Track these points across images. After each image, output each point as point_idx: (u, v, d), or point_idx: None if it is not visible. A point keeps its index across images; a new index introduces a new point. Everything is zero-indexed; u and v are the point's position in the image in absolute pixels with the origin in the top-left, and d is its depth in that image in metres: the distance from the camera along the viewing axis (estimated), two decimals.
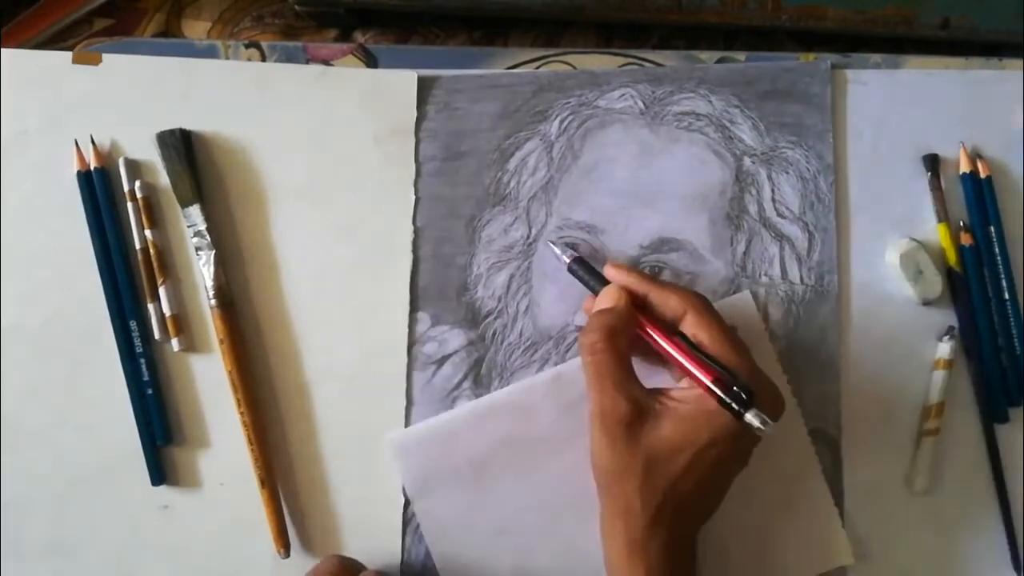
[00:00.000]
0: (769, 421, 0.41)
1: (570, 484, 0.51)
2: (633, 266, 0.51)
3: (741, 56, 0.58)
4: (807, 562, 0.54)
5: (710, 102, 0.57)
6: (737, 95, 0.57)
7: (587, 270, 0.52)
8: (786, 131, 0.57)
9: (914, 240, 0.56)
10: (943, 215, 0.56)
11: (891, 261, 0.55)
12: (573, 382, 0.53)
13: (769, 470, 0.52)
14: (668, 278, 0.55)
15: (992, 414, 0.55)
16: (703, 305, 0.47)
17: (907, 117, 0.57)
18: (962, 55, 0.58)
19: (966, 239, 0.56)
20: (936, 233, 0.56)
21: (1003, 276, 0.56)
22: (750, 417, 0.42)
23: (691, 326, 0.46)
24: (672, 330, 0.47)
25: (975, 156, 0.57)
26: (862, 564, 0.54)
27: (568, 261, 0.53)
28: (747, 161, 0.56)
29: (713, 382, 0.43)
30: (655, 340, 0.47)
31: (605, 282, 0.50)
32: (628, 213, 0.56)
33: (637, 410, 0.44)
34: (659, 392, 0.46)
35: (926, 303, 0.55)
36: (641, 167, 0.56)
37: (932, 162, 0.56)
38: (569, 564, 0.52)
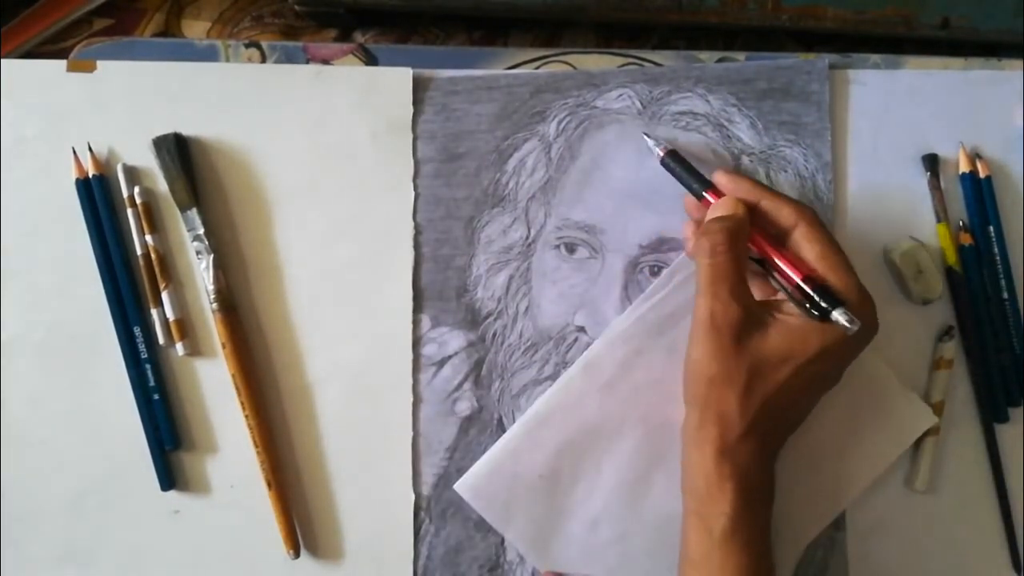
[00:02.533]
0: (856, 320, 0.43)
1: (641, 455, 0.52)
2: (742, 174, 0.51)
3: (741, 56, 0.58)
4: (895, 438, 0.54)
5: (708, 101, 0.57)
6: (735, 94, 0.57)
7: (684, 166, 0.52)
8: (784, 130, 0.57)
9: (915, 239, 0.56)
10: (943, 215, 0.56)
11: (892, 260, 0.55)
12: (602, 363, 0.53)
13: None
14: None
15: (992, 414, 0.55)
16: (814, 218, 0.48)
17: (906, 117, 0.57)
18: (961, 55, 0.58)
19: (965, 239, 0.56)
20: (935, 233, 0.56)
21: (1002, 276, 0.56)
22: (837, 315, 0.43)
23: (801, 237, 0.47)
24: (779, 240, 0.48)
25: (974, 156, 0.57)
26: (862, 564, 0.54)
27: (661, 154, 0.52)
28: (745, 160, 0.56)
29: (804, 279, 0.45)
30: (762, 245, 0.48)
31: (702, 180, 0.50)
32: (627, 213, 0.56)
33: (748, 317, 0.45)
34: (769, 304, 0.47)
35: (926, 303, 0.55)
36: (639, 167, 0.56)
37: (931, 162, 0.56)
38: (670, 528, 0.51)
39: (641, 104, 0.57)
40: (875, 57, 0.58)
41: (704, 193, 0.50)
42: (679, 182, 0.52)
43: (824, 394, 0.48)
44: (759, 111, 0.56)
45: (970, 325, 0.55)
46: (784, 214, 0.48)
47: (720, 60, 0.58)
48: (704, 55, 0.58)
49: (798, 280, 0.45)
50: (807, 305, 0.45)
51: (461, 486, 0.53)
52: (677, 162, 0.52)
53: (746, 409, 0.44)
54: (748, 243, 0.48)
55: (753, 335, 0.45)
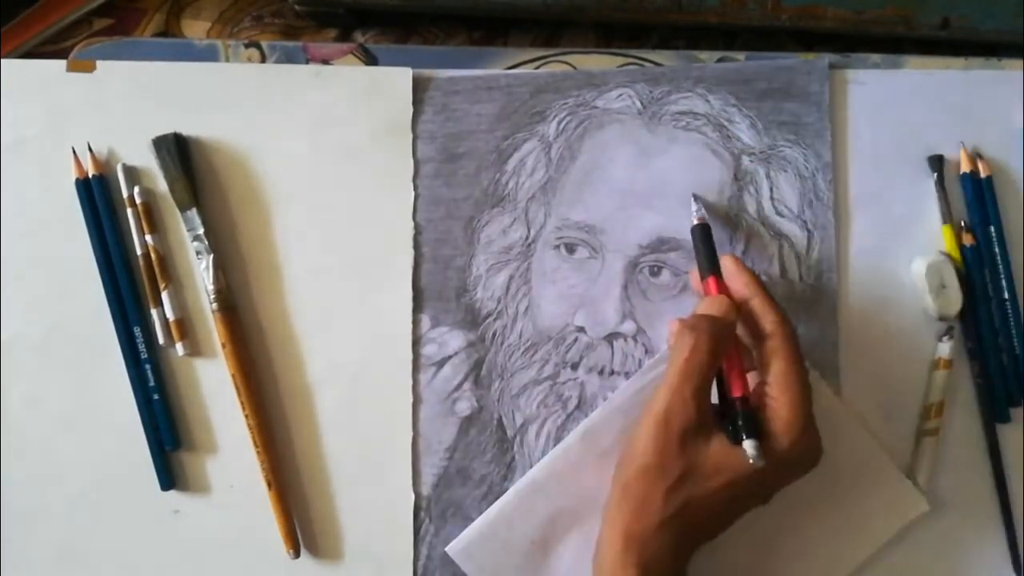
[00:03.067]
0: (761, 459, 0.44)
1: None
2: (747, 268, 0.50)
3: (741, 56, 0.58)
4: (884, 522, 0.54)
5: (708, 101, 0.57)
6: (735, 94, 0.57)
7: (705, 242, 0.52)
8: (784, 129, 0.57)
9: (943, 253, 0.56)
10: (948, 216, 0.56)
11: (917, 270, 0.55)
12: (601, 432, 0.53)
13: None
14: (667, 277, 0.55)
15: (993, 413, 0.55)
16: (790, 335, 0.47)
17: (906, 117, 0.57)
18: (961, 55, 0.58)
19: (967, 239, 0.56)
20: (938, 233, 0.56)
21: (1003, 276, 0.56)
22: (746, 445, 0.44)
23: (772, 348, 0.47)
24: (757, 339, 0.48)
25: (975, 156, 0.57)
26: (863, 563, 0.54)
27: (696, 221, 0.53)
28: (745, 160, 0.56)
29: (737, 399, 0.46)
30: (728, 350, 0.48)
31: (714, 264, 0.50)
32: (627, 213, 0.56)
33: (699, 422, 0.45)
34: (719, 425, 0.47)
35: (942, 319, 0.55)
36: (639, 167, 0.56)
37: (938, 163, 0.56)
38: None
39: (641, 104, 0.57)
40: (875, 57, 0.58)
41: (709, 277, 0.50)
42: (695, 255, 0.52)
43: (749, 510, 0.48)
44: (759, 111, 0.56)
45: (972, 325, 0.55)
46: (766, 321, 0.47)
47: (720, 60, 0.58)
48: (704, 55, 0.58)
49: (732, 397, 0.46)
50: (728, 425, 0.46)
51: (453, 549, 0.53)
52: (702, 237, 0.52)
53: (668, 504, 0.45)
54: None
55: (698, 439, 0.45)
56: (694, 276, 0.52)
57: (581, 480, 0.53)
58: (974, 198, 0.56)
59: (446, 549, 0.53)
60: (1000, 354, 0.55)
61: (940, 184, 0.56)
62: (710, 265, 0.51)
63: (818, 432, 0.47)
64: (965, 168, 0.56)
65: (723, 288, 0.49)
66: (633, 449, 0.46)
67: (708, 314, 0.47)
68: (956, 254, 0.56)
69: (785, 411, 0.45)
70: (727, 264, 0.50)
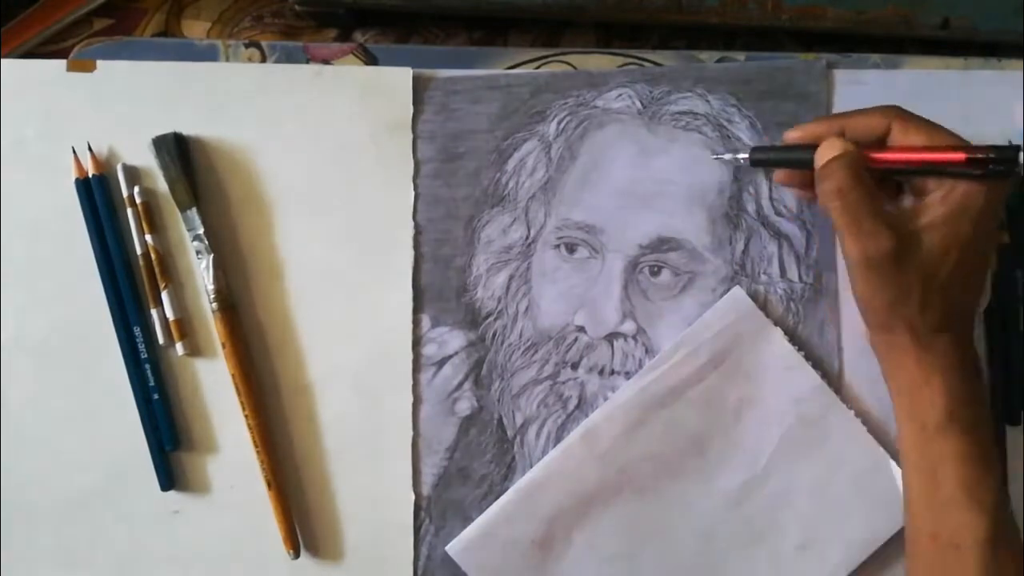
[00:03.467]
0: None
1: (635, 528, 0.53)
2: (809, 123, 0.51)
3: (741, 56, 0.58)
4: (884, 522, 0.54)
5: (707, 101, 0.57)
6: (734, 94, 0.57)
7: (771, 152, 0.53)
8: (784, 129, 0.56)
9: None
10: None
11: None
12: (601, 433, 0.53)
13: (814, 447, 0.54)
14: (667, 277, 0.55)
15: (1005, 415, 0.55)
16: (902, 112, 0.48)
17: None
18: (961, 55, 0.58)
19: (1003, 238, 0.56)
20: None
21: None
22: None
23: (900, 132, 0.48)
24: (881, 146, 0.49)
25: None
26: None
27: (747, 157, 0.53)
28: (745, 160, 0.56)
29: (967, 160, 0.45)
30: (894, 160, 0.48)
31: (800, 149, 0.50)
32: (627, 213, 0.56)
33: (899, 238, 0.46)
34: (907, 210, 0.47)
35: None
36: (639, 167, 0.56)
37: None
38: None
39: (641, 104, 0.57)
40: (875, 57, 0.58)
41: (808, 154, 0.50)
42: (781, 167, 0.53)
43: (991, 253, 0.50)
44: (759, 111, 0.56)
45: (996, 324, 0.55)
46: (875, 123, 0.48)
47: (720, 60, 0.58)
48: (704, 55, 0.58)
49: (974, 156, 0.46)
50: (981, 173, 0.45)
51: (453, 548, 0.53)
52: (767, 153, 0.53)
53: (929, 315, 0.46)
54: (883, 163, 0.48)
55: (909, 250, 0.46)
56: (781, 174, 0.53)
57: (581, 480, 0.53)
58: (1017, 198, 0.56)
59: (446, 548, 0.53)
60: (1021, 356, 0.55)
61: None
62: (790, 152, 0.51)
63: None
64: None
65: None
66: (867, 300, 0.48)
67: (828, 160, 0.48)
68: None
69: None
70: (795, 135, 0.51)
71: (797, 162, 0.51)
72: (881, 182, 0.48)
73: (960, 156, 0.46)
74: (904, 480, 0.49)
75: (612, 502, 0.53)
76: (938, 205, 0.46)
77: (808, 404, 0.54)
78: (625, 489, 0.53)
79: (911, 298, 0.46)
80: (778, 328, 0.55)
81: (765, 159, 0.53)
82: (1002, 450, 0.55)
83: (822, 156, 0.48)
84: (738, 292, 0.55)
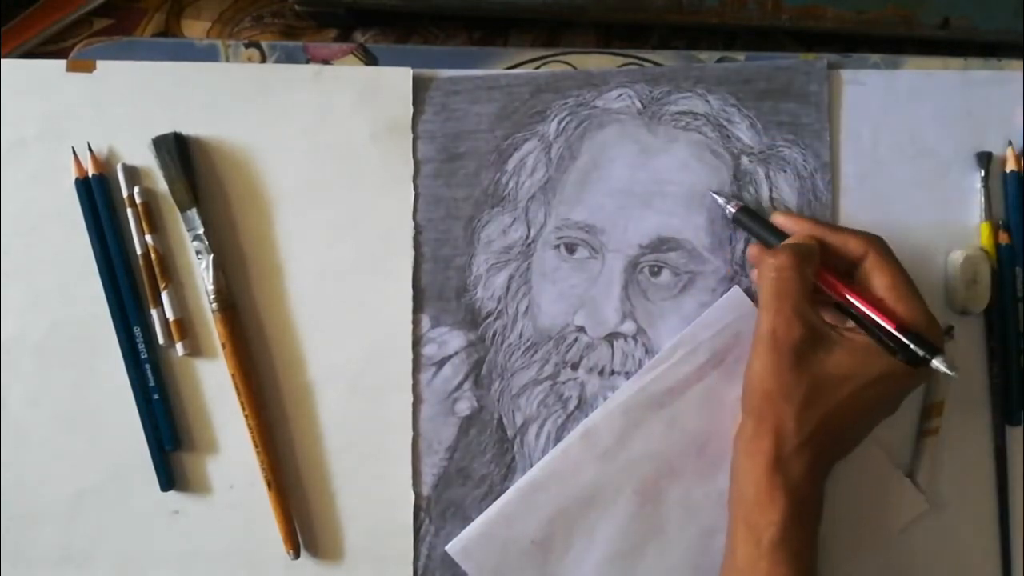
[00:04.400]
0: (956, 366, 0.44)
1: (635, 527, 0.53)
2: (799, 215, 0.52)
3: (741, 56, 0.58)
4: (883, 522, 0.54)
5: (707, 101, 0.57)
6: (734, 94, 0.57)
7: (754, 219, 0.53)
8: (783, 130, 0.57)
9: (982, 249, 0.56)
10: (988, 213, 0.56)
11: (953, 261, 0.55)
12: (601, 432, 0.54)
13: None
14: (667, 277, 0.55)
15: (1005, 415, 0.55)
16: (883, 247, 0.49)
17: (906, 117, 0.57)
18: (961, 55, 0.58)
19: (1003, 238, 0.56)
20: (949, 232, 0.57)
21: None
22: (937, 363, 0.44)
23: (871, 266, 0.48)
24: (847, 273, 0.49)
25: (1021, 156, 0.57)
26: (860, 562, 0.54)
27: (733, 210, 0.53)
28: (745, 160, 0.56)
29: (898, 329, 0.45)
30: (835, 285, 0.48)
31: (774, 231, 0.51)
32: (627, 213, 0.56)
33: (810, 335, 0.46)
34: (831, 321, 0.47)
35: (964, 314, 0.55)
36: (639, 167, 0.56)
37: (985, 160, 0.56)
38: None
39: (641, 104, 0.57)
40: (875, 57, 0.58)
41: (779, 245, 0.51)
42: (752, 235, 0.53)
43: (879, 422, 0.49)
44: (758, 111, 0.56)
45: (997, 323, 0.56)
46: (852, 245, 0.49)
47: (720, 60, 0.58)
48: (704, 55, 0.58)
49: (891, 329, 0.46)
50: (897, 353, 0.45)
51: (453, 547, 0.53)
52: (750, 218, 0.53)
53: (802, 424, 0.45)
54: (828, 280, 0.48)
55: (816, 352, 0.46)
56: (752, 253, 0.53)
57: (580, 480, 0.53)
58: (1017, 197, 0.56)
59: (446, 548, 0.53)
60: (1020, 355, 0.55)
61: (985, 181, 0.56)
62: (773, 233, 0.52)
63: (938, 325, 0.47)
64: (1011, 167, 0.56)
65: None
66: (752, 377, 0.47)
67: (786, 243, 0.49)
68: (992, 252, 0.56)
69: (912, 314, 0.46)
70: (781, 221, 0.52)
71: (767, 241, 0.52)
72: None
73: (886, 326, 0.46)
74: None
75: (612, 502, 0.53)
76: (856, 336, 0.47)
77: None
78: (625, 489, 0.53)
79: (792, 398, 0.45)
80: None
81: (745, 224, 0.53)
82: (1001, 450, 0.55)
83: (785, 243, 0.50)
84: (737, 291, 0.55)
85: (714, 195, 0.55)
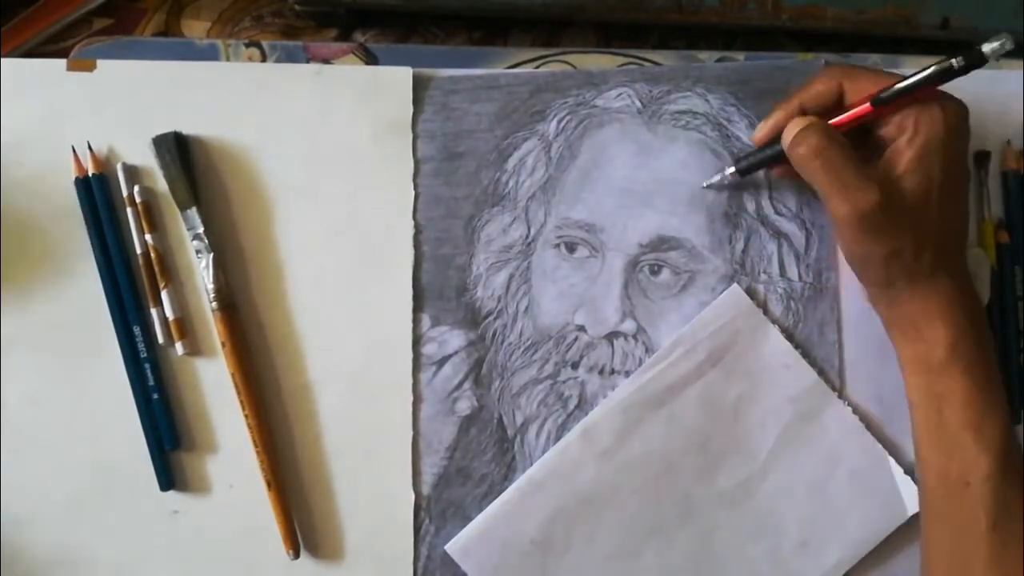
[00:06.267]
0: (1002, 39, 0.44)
1: (635, 527, 0.53)
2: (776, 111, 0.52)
3: (740, 56, 0.58)
4: (883, 521, 0.54)
5: (707, 101, 0.57)
6: (734, 93, 0.57)
7: (752, 156, 0.53)
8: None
9: (981, 248, 0.56)
10: (987, 212, 0.56)
11: None
12: (600, 431, 0.54)
13: (813, 445, 0.54)
14: (667, 276, 0.55)
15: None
16: (848, 68, 0.49)
17: None
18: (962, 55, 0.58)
19: (1003, 237, 0.56)
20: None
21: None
22: (987, 47, 0.45)
23: (854, 91, 0.49)
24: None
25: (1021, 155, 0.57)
26: (860, 561, 0.54)
27: (733, 172, 0.54)
28: None
29: (937, 71, 0.46)
30: (847, 121, 0.49)
31: (774, 144, 0.51)
32: (627, 212, 0.56)
33: (882, 189, 0.46)
34: (879, 164, 0.47)
35: None
36: (639, 166, 0.56)
37: (982, 159, 0.56)
38: None
39: (641, 103, 0.57)
40: (875, 57, 0.58)
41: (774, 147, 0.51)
42: (763, 166, 0.53)
43: (967, 187, 0.49)
44: (758, 110, 0.56)
45: (996, 323, 0.56)
46: (822, 89, 0.49)
47: (720, 60, 0.58)
48: (704, 55, 0.58)
49: (938, 69, 0.46)
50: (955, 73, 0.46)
51: (452, 547, 0.53)
52: (748, 159, 0.53)
53: (924, 261, 0.46)
54: (842, 125, 0.49)
55: (896, 199, 0.46)
56: (759, 135, 0.53)
57: (580, 479, 0.53)
58: (1017, 196, 0.56)
59: (445, 547, 0.53)
60: (1020, 355, 0.56)
61: (984, 181, 0.56)
62: (765, 149, 0.52)
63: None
64: (1011, 166, 0.56)
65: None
66: (863, 257, 0.48)
67: (798, 129, 0.48)
68: (992, 251, 0.56)
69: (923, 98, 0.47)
70: (762, 136, 0.52)
71: (776, 157, 0.51)
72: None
73: (927, 75, 0.46)
74: (912, 420, 0.49)
75: (611, 501, 0.53)
76: (906, 150, 0.47)
77: (805, 401, 0.54)
78: (624, 487, 0.53)
79: (905, 247, 0.46)
80: (775, 325, 0.55)
81: (749, 166, 0.53)
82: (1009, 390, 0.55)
83: (788, 134, 0.49)
84: (736, 290, 0.55)
85: (709, 183, 0.55)
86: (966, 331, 0.47)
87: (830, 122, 0.48)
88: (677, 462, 0.54)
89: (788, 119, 0.50)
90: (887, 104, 0.47)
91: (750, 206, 0.56)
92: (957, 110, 0.47)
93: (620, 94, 0.57)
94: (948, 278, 0.47)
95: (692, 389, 0.54)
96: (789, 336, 0.55)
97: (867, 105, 0.47)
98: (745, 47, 0.62)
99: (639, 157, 0.56)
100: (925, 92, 0.47)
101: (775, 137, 0.51)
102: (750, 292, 0.55)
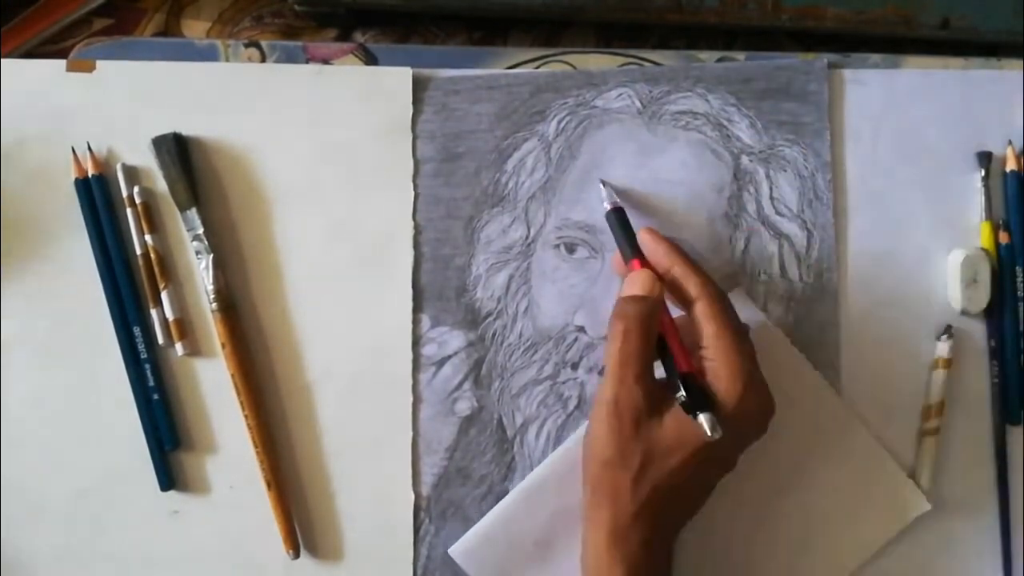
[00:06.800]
0: (718, 429, 0.43)
1: None
2: (664, 238, 0.51)
3: (740, 56, 0.58)
4: (884, 523, 0.54)
5: (707, 101, 0.57)
6: (734, 93, 0.57)
7: (622, 226, 0.52)
8: (784, 129, 0.57)
9: (983, 249, 0.56)
10: (988, 213, 0.56)
11: (953, 261, 0.55)
12: None
13: (815, 446, 0.54)
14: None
15: (1005, 414, 0.55)
16: (716, 295, 0.47)
17: (906, 117, 0.57)
18: (961, 55, 0.58)
19: (1003, 237, 0.56)
20: (947, 231, 0.56)
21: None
22: (701, 419, 0.43)
23: (700, 313, 0.47)
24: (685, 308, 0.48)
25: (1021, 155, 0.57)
26: (860, 562, 0.54)
27: (608, 207, 0.53)
28: (745, 159, 0.56)
29: (682, 375, 0.45)
30: (664, 328, 0.48)
31: (634, 247, 0.50)
32: (626, 212, 0.56)
33: (648, 404, 0.45)
34: (667, 389, 0.47)
35: (963, 314, 0.55)
36: (639, 166, 0.56)
37: (985, 160, 0.56)
38: None
39: (641, 104, 0.57)
40: (875, 57, 0.58)
41: (632, 259, 0.50)
42: (616, 240, 0.52)
43: (717, 482, 0.48)
44: (759, 111, 0.56)
45: (997, 323, 0.56)
46: (690, 285, 0.48)
47: (720, 60, 0.58)
48: (704, 55, 0.58)
49: (679, 373, 0.46)
50: (679, 400, 0.45)
51: (456, 551, 0.53)
52: (619, 222, 0.52)
53: (636, 494, 0.45)
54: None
55: (652, 420, 0.45)
56: (616, 260, 0.52)
57: (580, 481, 0.53)
58: (1017, 197, 0.56)
59: (449, 551, 0.53)
60: (1020, 355, 0.55)
61: (985, 180, 0.56)
62: (631, 246, 0.50)
63: (766, 387, 0.47)
64: (1011, 167, 0.56)
65: (647, 266, 0.49)
66: (592, 444, 0.47)
67: (632, 295, 0.48)
68: (993, 251, 0.56)
69: (724, 372, 0.45)
70: (644, 238, 0.51)
71: (624, 252, 0.51)
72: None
73: (683, 366, 0.46)
74: None
75: None
76: (690, 441, 0.45)
77: (810, 404, 0.54)
78: None
79: (628, 466, 0.45)
80: (779, 329, 0.55)
81: (612, 224, 0.52)
82: (1002, 450, 0.55)
83: (630, 284, 0.49)
84: (740, 294, 0.55)
85: (602, 184, 0.54)
86: None
87: (664, 329, 0.47)
88: None
89: (658, 259, 0.49)
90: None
91: (750, 206, 0.56)
92: (758, 421, 0.46)
93: (620, 94, 0.57)
94: (647, 536, 0.45)
95: None
96: (790, 337, 0.55)
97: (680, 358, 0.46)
98: (745, 47, 0.62)
99: (639, 157, 0.56)
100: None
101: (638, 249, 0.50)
102: (750, 293, 0.55)
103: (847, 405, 0.54)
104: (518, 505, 0.53)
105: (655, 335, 0.47)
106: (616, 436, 0.45)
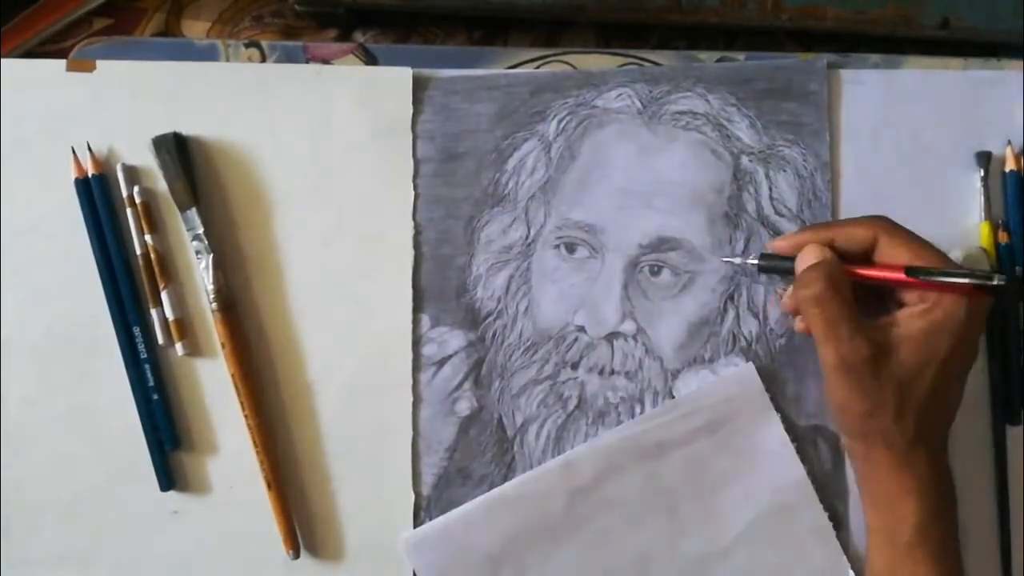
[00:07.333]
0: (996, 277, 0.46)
1: (589, 567, 0.53)
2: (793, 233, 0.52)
3: (740, 56, 0.58)
4: None
5: (707, 101, 0.57)
6: (734, 94, 0.57)
7: (775, 260, 0.52)
8: (783, 129, 0.57)
9: (983, 249, 0.56)
10: (987, 213, 0.56)
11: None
12: (582, 467, 0.53)
13: (782, 540, 0.54)
14: (667, 277, 0.55)
15: (1005, 414, 0.55)
16: (888, 223, 0.49)
17: (906, 117, 0.57)
18: (961, 55, 0.58)
19: (1003, 237, 0.56)
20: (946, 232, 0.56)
21: None
22: (997, 280, 0.45)
23: (887, 245, 0.48)
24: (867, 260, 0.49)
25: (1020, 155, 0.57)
26: (858, 561, 0.54)
27: (755, 263, 0.52)
28: (745, 159, 0.56)
29: (978, 282, 0.46)
30: (872, 277, 0.48)
31: (787, 259, 0.51)
32: (627, 212, 0.56)
33: (876, 347, 0.46)
34: (885, 322, 0.47)
35: None
36: (639, 166, 0.56)
37: (985, 160, 0.56)
38: None
39: (641, 104, 0.57)
40: (875, 57, 0.58)
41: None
42: (781, 276, 0.54)
43: (968, 373, 0.49)
44: (758, 111, 0.56)
45: (997, 323, 0.55)
46: (860, 234, 0.49)
47: (720, 60, 0.58)
48: (704, 55, 0.58)
49: (961, 282, 0.46)
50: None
51: (410, 539, 0.53)
52: (769, 260, 0.52)
53: (904, 428, 0.46)
54: (859, 275, 0.48)
55: (887, 360, 0.46)
56: (787, 298, 0.52)
57: (550, 508, 0.53)
58: (1016, 197, 0.56)
59: (403, 536, 0.53)
60: (1021, 355, 0.56)
61: (984, 180, 0.56)
62: (787, 263, 0.51)
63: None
64: (1011, 167, 0.56)
65: None
66: (844, 408, 0.47)
67: (808, 267, 0.48)
68: (992, 251, 0.56)
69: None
70: (780, 244, 0.52)
71: (786, 271, 0.51)
72: (862, 288, 0.48)
73: (959, 282, 0.46)
74: None
75: (572, 538, 0.53)
76: (917, 319, 0.47)
77: (787, 494, 0.54)
78: (588, 528, 0.53)
79: (886, 409, 0.46)
80: (777, 414, 0.54)
81: (767, 267, 0.52)
82: (1001, 450, 0.55)
83: (800, 264, 0.49)
84: (749, 369, 0.55)
85: (727, 260, 0.55)
86: (938, 515, 0.46)
87: (863, 271, 0.48)
88: (646, 518, 0.53)
89: (809, 243, 0.50)
90: (918, 280, 0.47)
91: (750, 207, 0.56)
92: (982, 298, 0.47)
93: (620, 94, 0.57)
94: (927, 455, 0.47)
95: (680, 452, 0.53)
96: (789, 336, 0.55)
97: (901, 273, 0.47)
98: (745, 47, 0.62)
99: (639, 157, 0.56)
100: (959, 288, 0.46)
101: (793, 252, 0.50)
102: (762, 373, 0.55)
103: (823, 510, 0.54)
104: (480, 515, 0.53)
105: (847, 287, 0.47)
106: (860, 390, 0.46)
